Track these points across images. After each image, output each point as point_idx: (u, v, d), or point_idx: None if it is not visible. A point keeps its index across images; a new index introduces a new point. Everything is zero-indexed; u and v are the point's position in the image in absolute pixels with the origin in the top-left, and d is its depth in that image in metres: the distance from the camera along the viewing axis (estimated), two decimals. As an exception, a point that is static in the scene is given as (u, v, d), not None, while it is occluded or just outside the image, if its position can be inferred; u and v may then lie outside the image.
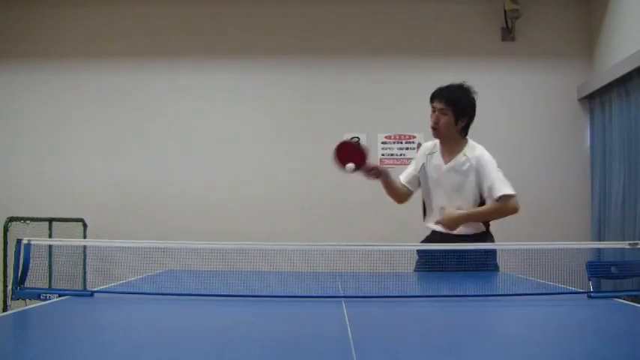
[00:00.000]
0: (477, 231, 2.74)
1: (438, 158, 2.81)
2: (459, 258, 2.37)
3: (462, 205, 2.72)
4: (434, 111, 2.77)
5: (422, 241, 2.84)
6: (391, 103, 4.92)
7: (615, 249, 3.75)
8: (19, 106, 4.96)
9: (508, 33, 4.85)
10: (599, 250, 4.00)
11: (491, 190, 2.66)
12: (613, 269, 3.57)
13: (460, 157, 2.75)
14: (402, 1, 4.94)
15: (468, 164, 2.73)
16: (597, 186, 4.56)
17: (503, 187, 2.64)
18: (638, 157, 3.97)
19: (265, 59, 4.94)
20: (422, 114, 4.90)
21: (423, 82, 4.94)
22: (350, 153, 2.70)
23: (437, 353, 1.24)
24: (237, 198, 4.84)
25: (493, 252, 2.67)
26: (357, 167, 2.69)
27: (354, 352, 1.15)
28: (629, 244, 2.08)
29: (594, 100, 4.65)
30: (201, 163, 4.87)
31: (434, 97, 2.79)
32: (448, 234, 2.69)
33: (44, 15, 5.00)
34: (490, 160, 2.72)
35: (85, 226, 4.49)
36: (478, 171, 2.70)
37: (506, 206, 2.65)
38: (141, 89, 4.96)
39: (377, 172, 2.79)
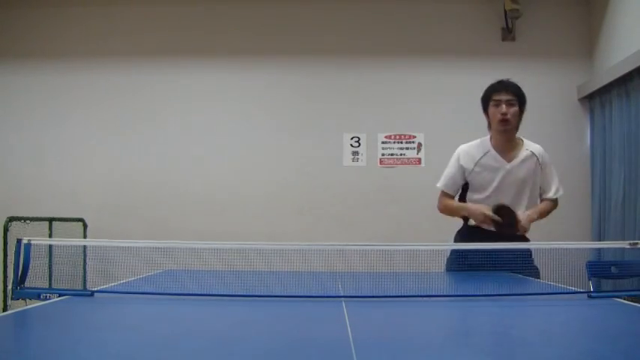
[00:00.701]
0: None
1: (494, 159, 2.75)
2: (497, 258, 2.35)
3: (528, 201, 2.74)
4: (497, 104, 2.73)
5: (459, 240, 2.81)
6: (391, 103, 4.92)
7: (615, 249, 3.74)
8: (19, 106, 4.97)
9: (508, 33, 4.85)
10: (599, 250, 4.00)
11: (556, 189, 2.80)
12: (613, 269, 3.56)
13: (523, 153, 2.76)
14: (402, 1, 4.94)
15: (535, 160, 2.76)
16: (597, 186, 4.56)
17: (560, 187, 2.81)
18: (638, 157, 3.97)
19: (265, 59, 4.94)
20: (422, 114, 4.96)
21: (423, 82, 4.99)
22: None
23: (437, 353, 1.24)
24: (237, 198, 4.84)
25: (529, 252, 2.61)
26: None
27: (354, 352, 1.15)
28: (629, 244, 2.08)
29: (594, 100, 4.65)
30: (201, 163, 4.87)
31: (498, 89, 2.77)
32: (489, 231, 2.65)
33: (44, 15, 5.00)
34: (548, 157, 2.82)
35: (85, 226, 4.49)
36: (544, 168, 2.77)
37: (557, 205, 2.83)
38: (141, 89, 4.96)
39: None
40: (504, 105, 2.71)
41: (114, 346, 1.25)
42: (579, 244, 3.06)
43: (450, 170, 2.85)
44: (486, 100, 2.79)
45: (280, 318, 1.64)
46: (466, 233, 2.81)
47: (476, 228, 2.74)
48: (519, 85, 2.82)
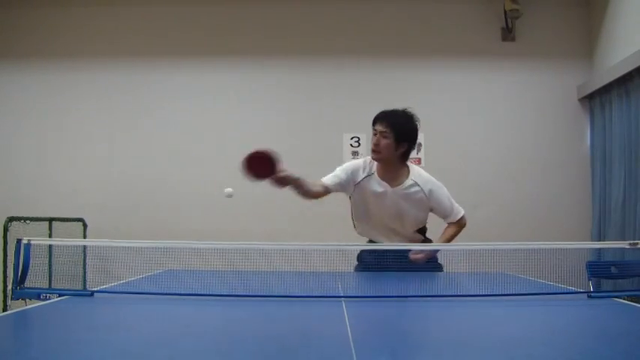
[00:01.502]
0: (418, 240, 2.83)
1: (377, 183, 2.78)
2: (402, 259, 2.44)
3: (399, 227, 2.79)
4: (375, 134, 2.78)
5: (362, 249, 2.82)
6: (391, 103, 4.88)
7: (615, 249, 3.75)
8: (19, 106, 4.96)
9: (508, 33, 4.85)
10: (599, 250, 4.00)
11: (454, 213, 2.80)
12: (613, 269, 3.56)
13: (407, 182, 2.76)
14: (402, 1, 4.93)
15: (418, 189, 2.75)
16: (597, 186, 4.56)
17: (459, 208, 2.82)
18: (638, 157, 3.97)
19: (265, 59, 4.93)
20: (422, 114, 4.93)
21: (423, 82, 4.98)
22: (259, 163, 2.61)
23: (436, 353, 1.24)
24: (238, 198, 4.81)
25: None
26: (265, 177, 2.58)
27: (354, 352, 1.15)
28: (629, 244, 2.08)
29: (594, 100, 4.65)
30: (201, 163, 4.87)
31: (376, 120, 2.81)
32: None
33: (44, 15, 5.00)
34: (439, 184, 2.80)
35: (85, 226, 4.49)
36: (431, 198, 2.75)
37: (464, 224, 2.84)
38: (141, 89, 4.95)
39: (285, 181, 2.70)
40: (378, 135, 2.75)
41: (114, 346, 1.25)
42: (579, 244, 3.06)
43: (337, 172, 3.02)
44: (372, 129, 2.85)
45: (280, 318, 1.64)
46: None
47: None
48: (410, 119, 2.83)
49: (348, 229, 4.71)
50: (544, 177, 4.77)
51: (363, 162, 2.88)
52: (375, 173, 2.80)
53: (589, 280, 3.32)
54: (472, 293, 1.98)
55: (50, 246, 3.69)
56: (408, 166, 2.82)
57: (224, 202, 4.90)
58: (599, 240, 4.40)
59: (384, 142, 2.73)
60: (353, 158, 4.86)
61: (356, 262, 2.86)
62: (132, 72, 4.96)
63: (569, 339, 1.41)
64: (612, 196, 4.29)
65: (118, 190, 4.84)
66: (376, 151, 2.75)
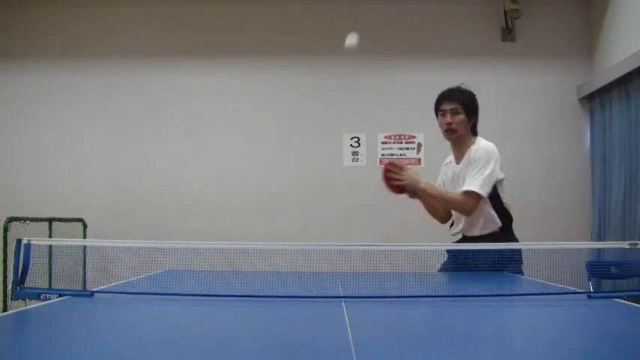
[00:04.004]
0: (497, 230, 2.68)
1: (452, 165, 2.79)
2: (483, 259, 2.34)
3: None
4: (443, 114, 2.73)
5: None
6: (391, 103, 4.92)
7: (615, 249, 3.75)
8: (19, 106, 4.96)
9: (508, 33, 4.85)
10: (599, 250, 4.00)
11: (465, 181, 2.62)
12: (613, 269, 3.56)
13: (467, 154, 2.71)
14: (402, 2, 4.94)
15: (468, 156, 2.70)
16: (597, 186, 4.56)
17: (473, 182, 2.57)
18: (638, 157, 3.97)
19: (265, 59, 4.94)
20: (422, 114, 4.92)
21: (423, 82, 4.97)
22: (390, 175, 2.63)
23: (437, 353, 1.24)
24: (238, 198, 4.84)
25: (519, 254, 2.56)
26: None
27: (354, 352, 1.15)
28: (629, 244, 2.08)
29: (594, 100, 4.65)
30: (201, 163, 4.87)
31: (443, 99, 2.77)
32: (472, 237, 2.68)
33: (44, 15, 5.00)
34: (484, 154, 2.62)
35: (85, 226, 4.49)
36: (471, 163, 2.64)
37: (465, 201, 2.59)
38: (141, 89, 4.96)
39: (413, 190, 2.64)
40: (449, 114, 2.71)
41: (114, 346, 1.25)
42: (579, 244, 3.06)
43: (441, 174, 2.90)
44: (435, 112, 2.81)
45: (280, 318, 1.64)
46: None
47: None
48: (471, 91, 2.79)
49: (348, 230, 4.74)
50: (544, 177, 4.77)
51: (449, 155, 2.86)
52: (452, 158, 2.81)
53: (589, 280, 3.32)
54: (472, 293, 1.97)
55: (50, 246, 3.68)
56: (476, 138, 2.75)
57: (224, 202, 4.92)
58: (599, 240, 4.40)
59: (457, 118, 2.70)
60: (353, 158, 4.87)
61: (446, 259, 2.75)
62: (132, 72, 4.96)
63: (569, 339, 1.41)
64: (612, 196, 4.29)
65: (118, 191, 4.84)
66: (452, 130, 2.70)
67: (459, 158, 2.76)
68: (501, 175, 2.65)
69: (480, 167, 2.58)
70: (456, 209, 2.72)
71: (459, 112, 2.70)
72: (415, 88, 4.90)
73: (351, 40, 2.56)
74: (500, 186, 2.68)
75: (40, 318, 1.61)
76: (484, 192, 2.57)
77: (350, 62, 4.94)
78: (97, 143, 4.91)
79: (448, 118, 2.70)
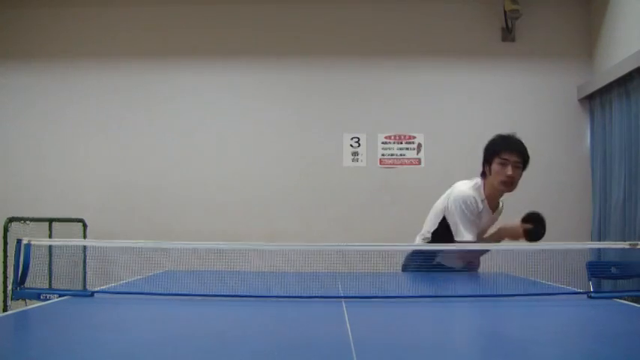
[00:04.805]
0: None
1: (485, 208, 2.76)
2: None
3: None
4: (504, 163, 2.64)
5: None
6: (391, 104, 4.92)
7: (615, 249, 3.74)
8: (19, 106, 4.96)
9: (508, 33, 4.85)
10: (599, 250, 3.99)
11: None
12: (613, 269, 3.56)
13: (500, 205, 2.87)
14: (402, 2, 4.93)
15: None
16: (597, 186, 4.56)
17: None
18: (638, 157, 3.97)
19: (266, 59, 4.93)
20: (422, 114, 4.96)
21: (423, 82, 4.98)
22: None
23: (437, 353, 1.24)
24: (238, 198, 4.84)
25: None
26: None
27: (354, 352, 1.15)
28: (629, 244, 2.08)
29: (594, 100, 4.65)
30: (201, 163, 4.87)
31: (509, 149, 2.67)
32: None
33: (44, 15, 5.00)
34: None
35: (85, 226, 4.49)
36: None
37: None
38: (141, 89, 4.95)
39: None
40: (511, 167, 2.62)
41: (113, 346, 1.25)
42: (579, 244, 3.07)
43: (471, 218, 2.68)
44: (492, 155, 2.71)
45: (280, 318, 1.64)
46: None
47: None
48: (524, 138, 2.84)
49: (348, 230, 4.73)
50: (544, 177, 4.76)
51: (473, 191, 2.72)
52: (486, 201, 2.75)
53: (589, 280, 3.32)
54: (472, 293, 1.97)
55: (50, 246, 3.69)
56: None
57: (224, 203, 4.92)
58: (599, 240, 4.40)
59: (518, 172, 2.67)
60: (353, 159, 4.87)
61: (404, 263, 2.79)
62: (132, 72, 4.96)
63: (569, 339, 1.41)
64: (612, 196, 4.29)
65: (117, 191, 4.84)
66: (511, 184, 2.67)
67: (492, 205, 2.79)
68: None
69: None
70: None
71: (520, 166, 2.67)
72: (415, 88, 4.90)
73: None
74: None
75: (40, 318, 1.61)
76: None
77: (350, 62, 4.95)
78: (97, 143, 4.91)
79: (510, 171, 2.63)
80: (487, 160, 2.72)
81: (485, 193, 2.72)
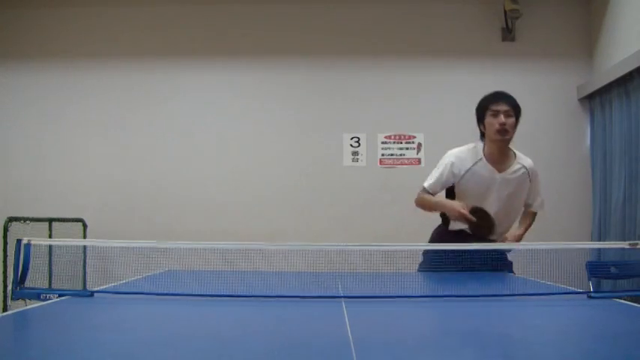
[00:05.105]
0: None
1: (485, 168, 2.71)
2: (471, 259, 2.38)
3: (512, 212, 2.77)
4: (495, 114, 2.67)
5: (437, 239, 2.81)
6: (391, 103, 4.92)
7: (615, 249, 3.75)
8: (19, 106, 4.96)
9: (508, 33, 4.85)
10: (599, 250, 4.00)
11: (540, 203, 2.85)
12: (613, 269, 3.57)
13: (515, 166, 2.74)
14: (402, 2, 4.93)
15: (524, 172, 2.74)
16: (597, 186, 4.56)
17: (544, 202, 2.87)
18: (638, 157, 3.97)
19: (266, 60, 4.94)
20: (422, 114, 4.96)
21: (423, 82, 4.99)
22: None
23: (437, 353, 1.24)
24: (238, 198, 4.84)
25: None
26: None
27: (354, 352, 1.15)
28: (629, 244, 2.08)
29: (594, 100, 4.65)
30: (201, 163, 4.87)
31: (497, 100, 2.71)
32: (475, 234, 2.66)
33: (44, 15, 5.00)
34: (539, 173, 2.84)
35: (85, 226, 4.49)
36: (533, 181, 2.78)
37: (535, 218, 2.89)
38: (142, 89, 4.96)
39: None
40: (503, 115, 2.66)
41: (113, 346, 1.25)
42: (579, 244, 3.07)
43: (441, 174, 2.80)
44: (483, 110, 2.75)
45: (280, 318, 1.64)
46: (444, 234, 2.80)
47: (458, 232, 2.73)
48: (517, 91, 2.84)
49: (348, 230, 4.74)
50: (544, 177, 4.69)
51: (467, 149, 2.78)
52: (484, 158, 2.73)
53: (589, 280, 3.33)
54: (472, 294, 1.97)
55: (50, 246, 3.69)
56: (511, 149, 2.79)
57: (224, 203, 4.92)
58: (599, 240, 4.40)
59: (510, 120, 2.68)
60: (353, 158, 4.86)
61: (421, 259, 2.78)
62: (132, 72, 4.96)
63: (569, 339, 1.41)
64: (612, 196, 4.29)
65: (117, 191, 4.84)
66: (505, 131, 2.66)
67: (498, 165, 2.71)
68: None
69: (540, 184, 2.86)
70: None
71: (511, 114, 2.69)
72: (415, 88, 4.90)
73: None
74: None
75: (40, 318, 1.61)
76: None
77: (350, 63, 4.95)
78: (97, 143, 4.91)
79: (502, 119, 2.66)
80: (480, 118, 2.77)
81: (485, 152, 2.74)
